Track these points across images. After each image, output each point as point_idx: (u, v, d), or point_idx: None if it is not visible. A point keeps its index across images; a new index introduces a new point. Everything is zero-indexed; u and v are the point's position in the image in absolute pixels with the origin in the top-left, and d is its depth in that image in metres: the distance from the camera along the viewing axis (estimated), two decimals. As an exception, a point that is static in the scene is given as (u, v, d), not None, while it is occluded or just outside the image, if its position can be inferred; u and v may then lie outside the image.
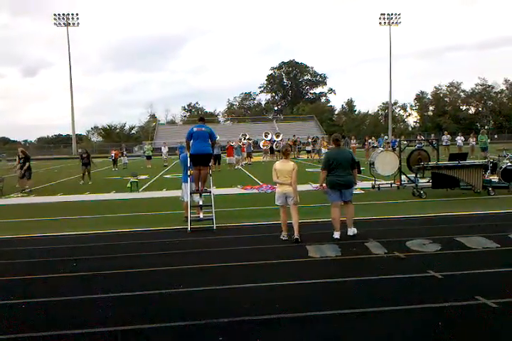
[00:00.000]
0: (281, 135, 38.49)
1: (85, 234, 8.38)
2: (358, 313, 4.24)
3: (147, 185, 17.37)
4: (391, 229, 7.82)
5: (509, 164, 12.14)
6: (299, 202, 7.37)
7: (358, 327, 3.97)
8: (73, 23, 54.76)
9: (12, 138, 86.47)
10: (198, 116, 10.75)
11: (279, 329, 3.98)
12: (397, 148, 15.82)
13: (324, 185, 7.37)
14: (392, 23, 57.19)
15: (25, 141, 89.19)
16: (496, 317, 4.04)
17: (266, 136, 38.59)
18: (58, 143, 77.48)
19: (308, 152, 33.32)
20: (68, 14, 54.34)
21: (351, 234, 7.19)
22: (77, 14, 54.52)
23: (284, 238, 7.33)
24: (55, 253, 6.96)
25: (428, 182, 12.14)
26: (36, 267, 6.24)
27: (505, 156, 12.63)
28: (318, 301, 4.59)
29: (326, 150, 30.96)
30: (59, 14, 54.34)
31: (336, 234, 7.20)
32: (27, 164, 16.20)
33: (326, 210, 9.24)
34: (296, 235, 7.10)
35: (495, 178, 12.23)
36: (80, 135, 78.44)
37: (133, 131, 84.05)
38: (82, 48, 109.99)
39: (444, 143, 27.39)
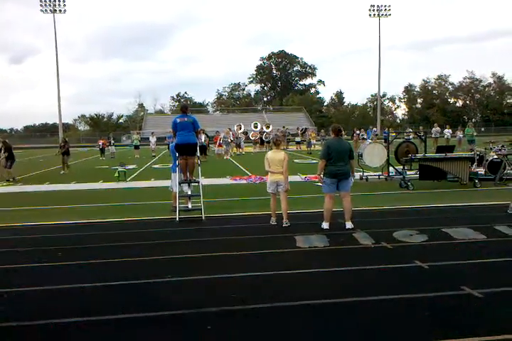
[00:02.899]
0: (270, 126, 38.41)
1: (72, 223, 8.31)
2: (343, 303, 4.27)
3: (135, 174, 17.27)
4: (379, 220, 7.87)
5: (495, 157, 12.27)
6: (290, 190, 7.69)
7: (343, 316, 4.00)
8: (60, 10, 53.76)
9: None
10: (184, 106, 10.55)
11: (266, 318, 3.99)
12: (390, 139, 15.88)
13: (321, 174, 7.37)
14: (382, 14, 57.06)
15: (12, 129, 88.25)
16: (480, 307, 4.10)
17: (255, 127, 38.47)
18: (45, 131, 76.64)
19: (298, 143, 33.38)
20: (55, 0, 53.39)
21: (349, 227, 7.17)
22: (64, 0, 53.61)
23: (272, 223, 7.64)
24: (40, 243, 6.89)
25: (415, 174, 12.24)
26: (20, 256, 6.18)
27: (491, 149, 12.77)
28: (305, 291, 4.61)
29: (314, 141, 31.18)
30: (45, 0, 53.37)
31: (325, 225, 7.23)
32: (6, 154, 15.97)
33: (314, 201, 9.30)
34: (284, 221, 7.49)
35: (481, 171, 12.36)
36: (67, 124, 77.72)
37: (121, 121, 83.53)
38: (70, 36, 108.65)
39: (433, 136, 27.57)
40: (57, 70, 55.03)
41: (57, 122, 57.99)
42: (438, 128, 29.26)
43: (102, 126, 74.22)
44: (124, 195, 12.04)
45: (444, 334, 3.55)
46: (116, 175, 14.90)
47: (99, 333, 3.79)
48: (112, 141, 29.15)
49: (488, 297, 4.29)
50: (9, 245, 6.80)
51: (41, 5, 53.45)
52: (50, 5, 53.48)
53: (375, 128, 39.24)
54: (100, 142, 28.28)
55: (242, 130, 34.23)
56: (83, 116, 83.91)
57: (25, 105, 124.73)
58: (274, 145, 7.92)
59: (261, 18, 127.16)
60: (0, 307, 4.40)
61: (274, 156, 7.58)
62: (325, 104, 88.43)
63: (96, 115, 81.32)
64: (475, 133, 24.70)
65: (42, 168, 21.56)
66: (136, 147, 29.00)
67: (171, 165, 9.40)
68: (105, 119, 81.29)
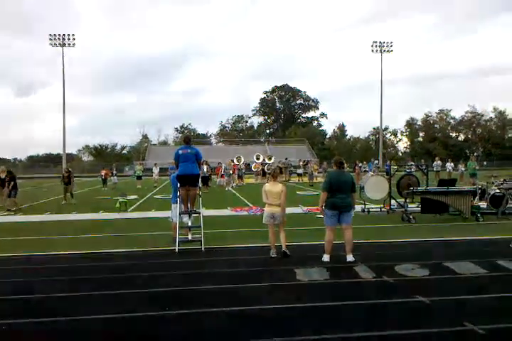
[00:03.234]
0: (272, 157, 38.61)
1: (71, 253, 8.25)
2: (343, 338, 4.18)
3: (136, 205, 17.24)
4: (380, 253, 7.79)
5: (497, 191, 12.25)
6: (286, 222, 7.78)
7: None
8: (69, 44, 55.16)
9: (1, 156, 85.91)
10: (187, 137, 10.69)
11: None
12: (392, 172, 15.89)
13: (323, 206, 7.34)
14: (384, 50, 58.22)
15: (15, 158, 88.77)
16: (483, 344, 4.01)
17: (257, 158, 38.68)
18: (49, 161, 77.04)
19: (299, 175, 33.43)
20: (64, 35, 54.78)
21: (350, 260, 7.08)
22: (73, 35, 54.98)
23: (272, 255, 7.56)
24: (38, 273, 6.83)
25: (417, 207, 12.19)
26: (17, 287, 6.11)
27: (493, 183, 12.76)
28: (304, 325, 4.52)
29: (316, 174, 31.24)
30: (55, 34, 54.75)
31: (326, 257, 7.16)
32: (12, 183, 16.07)
33: (314, 234, 9.23)
34: (284, 249, 7.53)
35: (483, 204, 12.31)
36: (71, 154, 78.23)
37: (124, 151, 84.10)
38: (77, 68, 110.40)
39: (434, 169, 27.61)
40: (64, 102, 55.96)
41: (61, 152, 58.39)
42: (439, 161, 29.33)
43: (105, 157, 74.67)
44: (124, 225, 11.98)
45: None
46: (118, 205, 14.89)
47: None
48: (115, 172, 29.26)
49: (491, 333, 4.20)
50: (6, 275, 6.73)
51: (50, 39, 54.80)
52: (59, 38, 54.81)
53: (376, 161, 39.38)
54: (103, 172, 28.37)
55: (242, 162, 34.35)
56: (87, 146, 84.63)
57: (29, 135, 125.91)
58: (272, 178, 7.91)
59: (266, 53, 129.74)
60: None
61: (272, 188, 7.64)
62: (327, 136, 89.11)
63: (100, 145, 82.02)
64: (477, 167, 24.73)
65: (44, 197, 21.56)
66: (139, 177, 29.07)
67: (171, 195, 9.39)
68: (109, 150, 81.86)
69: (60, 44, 55.08)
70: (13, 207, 15.84)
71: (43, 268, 7.17)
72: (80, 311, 5.02)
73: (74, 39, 55.19)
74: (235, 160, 33.17)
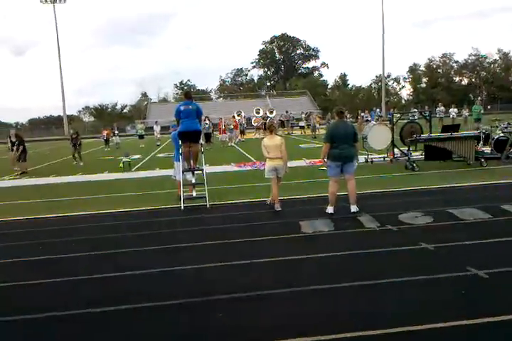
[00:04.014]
0: (274, 111, 38.19)
1: (78, 214, 8.35)
2: (350, 287, 4.27)
3: (140, 164, 17.28)
4: (384, 203, 7.83)
5: (501, 135, 12.13)
6: (287, 173, 7.88)
7: (351, 300, 4.00)
8: (59, 1, 53.44)
9: (3, 120, 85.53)
10: (188, 92, 10.47)
11: (274, 304, 4.00)
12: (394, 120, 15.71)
13: (325, 158, 7.31)
14: (385, -7, 56.10)
15: (17, 123, 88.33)
16: (487, 288, 4.08)
17: (257, 112, 38.23)
18: (50, 124, 76.70)
19: (302, 127, 33.17)
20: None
21: (354, 210, 7.12)
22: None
23: (278, 209, 7.62)
24: (51, 235, 6.95)
25: (421, 155, 12.14)
26: (32, 249, 6.23)
27: (497, 127, 12.62)
28: (311, 276, 4.62)
29: (319, 126, 30.99)
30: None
31: (330, 209, 7.20)
32: (21, 147, 16.14)
33: (318, 186, 9.26)
34: (276, 205, 7.69)
35: (487, 149, 12.24)
36: (72, 115, 77.66)
37: (125, 110, 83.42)
38: (71, 27, 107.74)
39: (437, 115, 27.32)
40: (60, 61, 54.95)
41: (62, 114, 58.00)
42: (442, 107, 29.00)
43: (106, 117, 74.19)
44: (129, 185, 12.06)
45: (449, 315, 3.54)
46: (121, 165, 14.92)
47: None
48: (116, 131, 29.12)
49: (495, 277, 4.27)
50: (22, 237, 6.86)
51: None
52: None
53: (378, 110, 38.90)
54: (104, 133, 28.24)
55: (242, 116, 33.96)
56: (87, 107, 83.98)
57: (29, 98, 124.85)
58: (269, 132, 8.01)
59: (262, 1, 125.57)
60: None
61: (271, 142, 7.70)
62: (329, 86, 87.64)
63: (100, 106, 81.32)
64: (482, 111, 24.41)
65: (49, 160, 21.61)
66: (141, 136, 28.98)
67: (174, 153, 9.37)
68: (109, 110, 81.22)
69: (50, 1, 53.35)
70: (24, 170, 16.02)
71: (56, 230, 7.28)
72: (92, 270, 5.13)
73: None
74: (235, 115, 32.85)
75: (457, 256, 4.96)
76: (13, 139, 16.41)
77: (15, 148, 16.18)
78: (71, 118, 70.87)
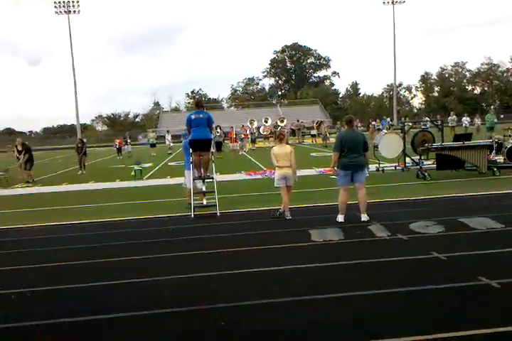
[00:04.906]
0: (285, 120, 38.22)
1: (90, 222, 8.41)
2: (360, 296, 4.24)
3: (151, 172, 17.40)
4: (394, 212, 7.79)
5: (514, 144, 12.02)
6: (296, 182, 7.83)
7: (359, 309, 3.96)
8: (74, 11, 54.15)
9: (17, 129, 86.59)
10: (199, 101, 10.55)
11: (280, 313, 3.98)
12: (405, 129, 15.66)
13: (335, 167, 7.30)
14: (396, 1, 56.04)
15: (31, 131, 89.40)
16: (498, 298, 4.03)
17: (266, 121, 38.25)
18: (63, 133, 77.54)
19: (313, 136, 33.14)
20: (69, 1, 53.69)
21: (364, 219, 7.08)
22: (77, 1, 53.91)
23: (287, 217, 7.64)
24: (60, 242, 7.00)
25: (433, 163, 12.06)
26: (43, 256, 6.28)
27: (510, 136, 12.52)
28: (320, 285, 4.59)
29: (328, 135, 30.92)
30: (59, 2, 53.72)
31: (340, 218, 7.17)
32: (27, 155, 16.26)
33: (329, 195, 9.23)
34: (282, 210, 7.71)
35: (500, 158, 12.13)
36: (85, 124, 78.44)
37: (137, 119, 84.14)
38: (85, 36, 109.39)
39: (449, 124, 27.11)
40: (73, 71, 55.52)
41: (75, 123, 58.56)
42: (454, 116, 28.76)
43: (118, 126, 74.90)
44: (140, 193, 12.13)
45: (459, 325, 3.49)
46: (133, 173, 15.04)
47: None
48: (128, 140, 29.39)
49: (507, 287, 4.21)
50: (32, 245, 6.92)
51: (55, 6, 53.80)
52: (64, 6, 53.78)
53: (388, 118, 38.77)
54: (116, 141, 28.52)
55: (255, 125, 34.03)
56: (100, 116, 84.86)
57: (43, 107, 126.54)
58: (278, 140, 7.99)
59: (273, 11, 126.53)
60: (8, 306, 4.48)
61: (280, 151, 7.71)
62: (340, 95, 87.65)
63: (113, 115, 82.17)
64: (496, 120, 24.20)
65: (60, 169, 21.83)
66: (153, 145, 29.18)
67: (184, 162, 9.42)
68: (122, 118, 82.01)
69: (65, 11, 54.10)
70: (30, 179, 16.11)
71: (69, 237, 7.33)
72: (101, 277, 5.16)
73: (79, 6, 54.13)
74: (248, 124, 32.92)
75: (469, 265, 4.91)
76: (20, 148, 16.44)
77: (21, 156, 16.25)
78: (84, 127, 71.64)
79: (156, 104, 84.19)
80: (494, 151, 11.95)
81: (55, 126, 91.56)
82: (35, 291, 4.87)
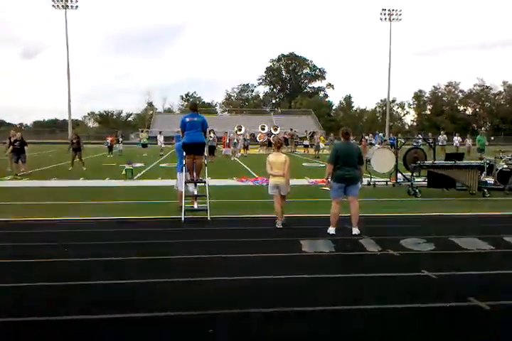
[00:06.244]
0: (278, 128, 38.34)
1: (77, 219, 8.30)
2: (345, 310, 4.21)
3: (142, 173, 17.28)
4: (385, 227, 7.79)
5: (505, 166, 12.15)
6: (290, 193, 7.81)
7: (344, 324, 3.94)
8: (71, 6, 53.87)
9: (7, 121, 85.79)
10: (194, 104, 10.51)
11: (266, 322, 3.94)
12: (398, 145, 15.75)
13: (329, 179, 7.28)
14: (393, 19, 56.67)
15: (21, 124, 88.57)
16: (488, 320, 4.03)
17: (263, 129, 38.42)
18: (54, 127, 76.92)
19: (306, 146, 33.27)
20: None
21: (356, 233, 7.06)
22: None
23: (278, 226, 7.61)
24: (45, 238, 6.89)
25: (424, 181, 12.13)
26: (26, 251, 6.17)
27: (501, 158, 12.65)
28: (307, 296, 4.56)
29: (323, 145, 31.06)
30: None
31: (331, 230, 7.16)
32: (26, 148, 16.07)
33: (320, 205, 9.22)
34: (280, 222, 7.65)
35: (490, 180, 12.24)
36: (77, 120, 77.97)
37: (130, 119, 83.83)
38: (81, 32, 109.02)
39: (440, 143, 27.34)
40: (68, 66, 55.17)
41: (67, 118, 58.12)
42: (445, 135, 29.03)
43: (111, 124, 74.52)
44: (130, 193, 12.02)
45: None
46: (124, 172, 14.92)
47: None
48: (120, 139, 29.20)
49: (496, 309, 4.22)
50: (16, 239, 6.80)
51: (53, 0, 53.47)
52: (61, 0, 53.46)
53: (381, 134, 39.03)
54: (108, 139, 28.32)
55: (242, 131, 34.00)
56: (92, 113, 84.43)
57: (35, 100, 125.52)
58: (275, 148, 8.02)
59: (272, 20, 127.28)
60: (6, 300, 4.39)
61: (276, 159, 7.69)
62: (334, 107, 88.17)
63: (105, 112, 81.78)
64: (486, 143, 24.46)
65: (50, 163, 21.60)
66: (144, 145, 29.04)
67: (177, 164, 9.36)
68: (114, 117, 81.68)
69: (62, 6, 53.80)
70: (20, 172, 15.88)
71: (54, 233, 7.22)
72: (84, 277, 5.08)
73: (77, 1, 53.83)
74: (237, 130, 32.97)
75: (459, 285, 4.91)
76: (13, 138, 15.92)
77: (12, 147, 15.77)
78: (76, 123, 71.11)
79: (150, 105, 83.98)
80: (485, 172, 12.05)
81: (46, 119, 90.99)
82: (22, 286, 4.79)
